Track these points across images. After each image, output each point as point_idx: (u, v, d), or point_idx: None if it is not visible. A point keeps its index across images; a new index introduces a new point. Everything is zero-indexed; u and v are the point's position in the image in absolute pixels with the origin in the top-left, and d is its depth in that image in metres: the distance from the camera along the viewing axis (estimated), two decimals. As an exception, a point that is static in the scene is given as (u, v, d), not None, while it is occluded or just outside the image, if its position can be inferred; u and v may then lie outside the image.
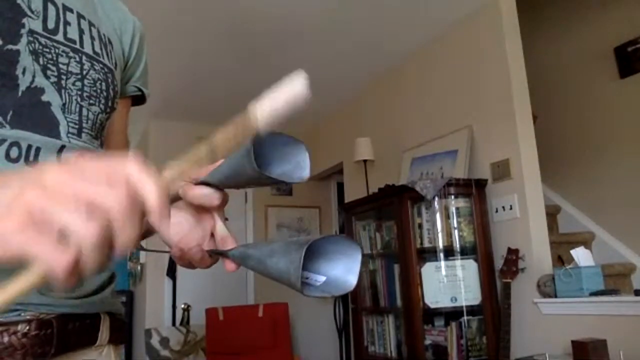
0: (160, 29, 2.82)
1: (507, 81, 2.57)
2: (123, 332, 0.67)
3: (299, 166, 0.45)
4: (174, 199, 0.50)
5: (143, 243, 0.57)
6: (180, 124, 4.32)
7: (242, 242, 0.48)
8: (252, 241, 4.15)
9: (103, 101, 0.64)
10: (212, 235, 0.50)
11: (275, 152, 0.44)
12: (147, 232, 0.58)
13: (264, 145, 0.42)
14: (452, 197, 2.59)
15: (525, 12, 2.78)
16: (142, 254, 4.04)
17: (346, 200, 3.40)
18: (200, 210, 0.50)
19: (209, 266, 0.50)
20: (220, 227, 0.50)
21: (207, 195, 0.47)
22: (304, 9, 2.73)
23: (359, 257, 0.42)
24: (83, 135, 0.61)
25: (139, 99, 0.81)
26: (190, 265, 0.50)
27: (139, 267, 4.20)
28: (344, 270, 0.42)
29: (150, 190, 0.32)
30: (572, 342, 1.91)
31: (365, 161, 3.44)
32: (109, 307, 0.64)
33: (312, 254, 0.41)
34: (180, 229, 0.50)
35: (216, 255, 0.49)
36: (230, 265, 0.47)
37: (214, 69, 3.41)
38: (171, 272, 3.99)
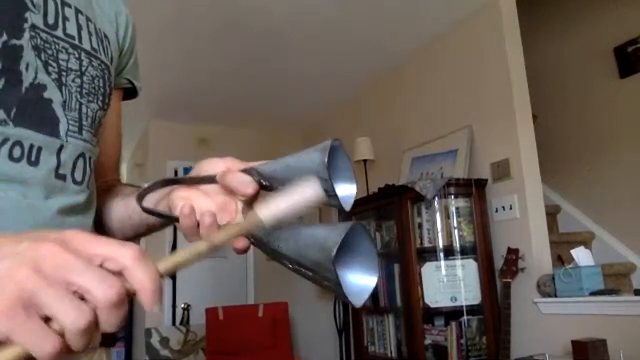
0: (160, 28, 2.82)
1: (507, 81, 2.57)
2: (114, 334, 0.67)
3: (344, 201, 0.44)
4: (207, 181, 0.50)
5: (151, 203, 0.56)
6: (180, 124, 4.31)
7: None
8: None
9: (101, 98, 0.63)
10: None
11: (334, 172, 0.44)
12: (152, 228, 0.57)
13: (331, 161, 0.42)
14: (452, 197, 2.59)
15: (525, 12, 2.78)
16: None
17: (346, 200, 3.39)
18: (227, 200, 0.50)
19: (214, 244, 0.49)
20: (240, 220, 0.49)
21: (243, 181, 0.46)
22: (304, 9, 2.73)
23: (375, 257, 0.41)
24: (84, 133, 0.60)
25: (130, 93, 0.80)
26: (195, 233, 0.48)
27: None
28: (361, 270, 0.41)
29: (145, 286, 0.32)
30: (572, 342, 1.91)
31: (365, 161, 3.44)
32: None
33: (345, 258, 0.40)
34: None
35: None
36: (240, 242, 0.45)
37: (214, 69, 3.41)
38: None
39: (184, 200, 0.50)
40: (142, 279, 0.32)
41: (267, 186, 0.47)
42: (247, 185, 0.47)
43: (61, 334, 0.30)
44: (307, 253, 0.39)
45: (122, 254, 0.32)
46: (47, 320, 0.30)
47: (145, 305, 0.32)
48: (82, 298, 0.31)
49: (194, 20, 2.79)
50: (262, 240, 0.44)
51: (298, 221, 0.41)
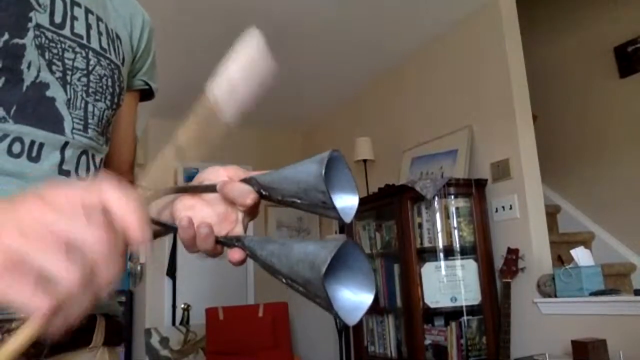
0: (160, 28, 2.82)
1: (507, 81, 2.57)
2: (120, 334, 0.66)
3: (344, 212, 0.43)
4: (208, 190, 0.49)
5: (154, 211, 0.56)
6: (180, 124, 4.31)
7: None
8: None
9: (109, 97, 0.63)
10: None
11: (334, 183, 0.43)
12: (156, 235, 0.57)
13: (330, 171, 0.41)
14: (452, 196, 2.59)
15: (525, 12, 2.78)
16: (142, 253, 4.04)
17: (346, 200, 3.39)
18: (228, 211, 0.49)
19: (211, 253, 0.48)
20: (239, 230, 0.49)
21: (243, 191, 0.46)
22: (304, 9, 2.73)
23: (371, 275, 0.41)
24: (89, 131, 0.60)
25: (147, 94, 0.80)
26: (193, 244, 0.48)
27: (139, 267, 4.20)
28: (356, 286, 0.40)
29: (131, 220, 0.31)
30: (572, 342, 1.91)
31: (365, 161, 3.44)
32: (105, 308, 0.63)
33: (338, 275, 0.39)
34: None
35: (226, 243, 0.47)
36: (236, 254, 0.45)
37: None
38: (171, 272, 3.99)
39: (187, 210, 0.50)
40: (125, 215, 0.31)
41: (266, 196, 0.47)
42: (247, 195, 0.47)
43: (58, 294, 0.29)
44: (298, 270, 0.38)
45: (100, 193, 0.32)
46: (43, 282, 0.29)
47: (133, 242, 0.32)
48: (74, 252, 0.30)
49: (194, 21, 2.79)
50: (256, 254, 0.43)
51: (292, 237, 0.41)
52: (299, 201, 0.43)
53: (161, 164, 0.35)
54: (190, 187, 0.52)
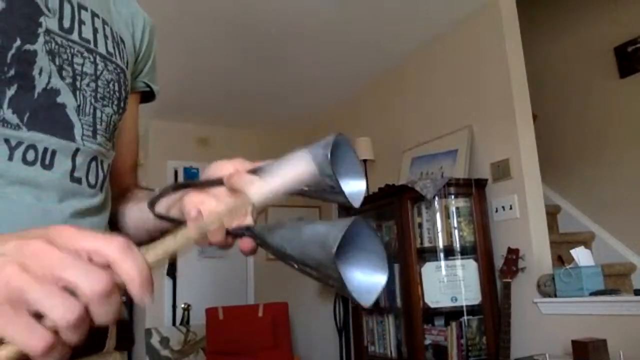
0: (160, 29, 2.82)
1: (507, 81, 2.57)
2: (128, 338, 0.66)
3: (352, 197, 0.43)
4: (215, 184, 0.49)
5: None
6: (180, 124, 4.32)
7: None
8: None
9: (116, 102, 0.63)
10: None
11: (341, 168, 0.42)
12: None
13: (336, 155, 0.40)
14: (452, 196, 2.59)
15: (525, 12, 2.78)
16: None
17: (346, 200, 3.39)
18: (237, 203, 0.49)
19: (222, 245, 0.48)
20: (249, 221, 0.48)
21: (250, 183, 0.45)
22: (304, 10, 2.73)
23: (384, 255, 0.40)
24: (98, 137, 0.60)
25: (148, 96, 0.80)
26: (203, 237, 0.47)
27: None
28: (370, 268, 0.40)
29: (132, 277, 0.32)
30: (572, 342, 1.91)
31: (365, 161, 3.44)
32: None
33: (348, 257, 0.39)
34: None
35: (236, 234, 0.47)
36: (246, 243, 0.45)
37: (214, 69, 3.41)
38: (171, 272, 3.99)
39: (195, 205, 0.50)
40: (129, 271, 0.32)
41: None
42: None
43: (54, 330, 0.30)
44: (309, 252, 0.38)
45: (107, 246, 0.32)
46: (40, 317, 0.30)
47: (134, 297, 0.32)
48: (73, 293, 0.30)
49: (194, 21, 2.79)
50: (266, 241, 0.43)
51: (299, 220, 0.41)
52: (306, 188, 0.43)
53: (181, 238, 0.36)
54: (197, 182, 0.52)
